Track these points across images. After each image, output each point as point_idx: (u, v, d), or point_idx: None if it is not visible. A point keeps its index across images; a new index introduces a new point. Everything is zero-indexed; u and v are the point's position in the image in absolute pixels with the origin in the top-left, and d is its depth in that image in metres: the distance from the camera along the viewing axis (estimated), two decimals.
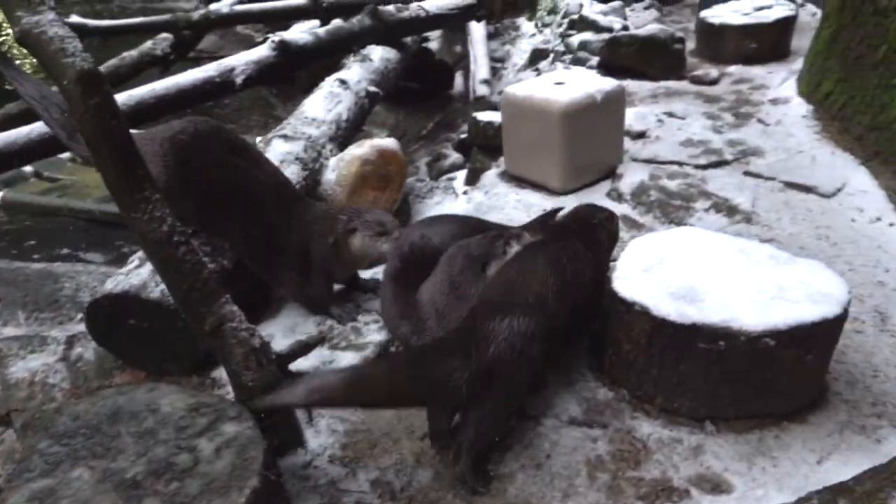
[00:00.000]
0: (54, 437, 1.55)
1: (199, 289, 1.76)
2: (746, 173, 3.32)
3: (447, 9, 5.39)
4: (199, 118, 2.30)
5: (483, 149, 4.08)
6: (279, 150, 2.95)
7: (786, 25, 5.02)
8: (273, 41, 4.41)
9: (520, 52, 7.54)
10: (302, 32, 4.69)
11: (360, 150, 3.09)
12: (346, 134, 3.60)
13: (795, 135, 3.71)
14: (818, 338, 1.77)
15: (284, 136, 3.10)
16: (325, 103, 3.65)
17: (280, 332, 2.35)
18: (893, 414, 1.84)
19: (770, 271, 1.94)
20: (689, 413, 1.89)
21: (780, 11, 5.07)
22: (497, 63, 7.56)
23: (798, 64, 4.54)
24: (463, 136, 4.59)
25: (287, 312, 2.47)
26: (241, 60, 4.20)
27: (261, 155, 2.41)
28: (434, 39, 8.31)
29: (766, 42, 4.97)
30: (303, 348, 2.07)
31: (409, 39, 5.47)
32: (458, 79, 7.41)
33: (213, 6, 7.21)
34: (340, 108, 3.67)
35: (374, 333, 2.27)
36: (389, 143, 3.16)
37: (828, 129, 3.67)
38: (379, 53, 4.81)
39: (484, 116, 4.03)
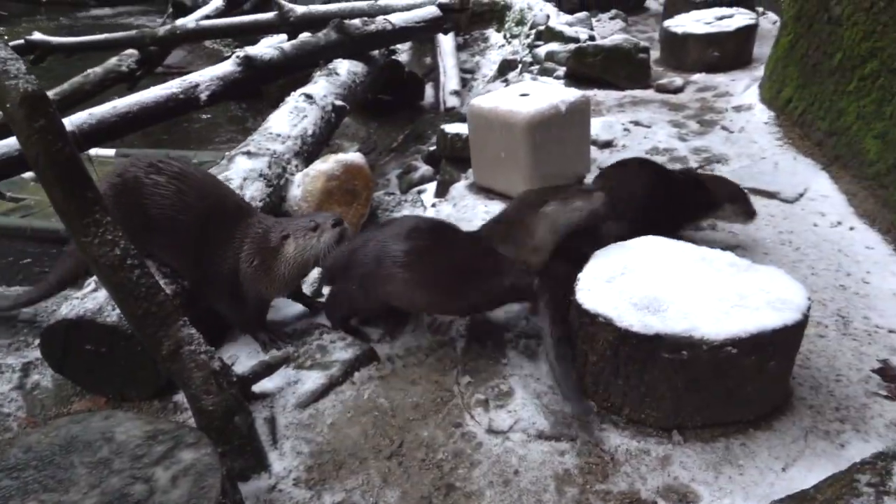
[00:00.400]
0: (4, 471, 1.49)
1: (154, 312, 1.72)
2: None
3: (414, 22, 5.41)
4: (135, 159, 2.26)
5: (452, 161, 4.08)
6: (242, 167, 2.91)
7: (747, 34, 5.13)
8: (238, 56, 4.38)
9: (489, 63, 7.60)
10: (268, 47, 4.66)
11: (325, 165, 3.07)
12: (312, 149, 3.58)
13: (758, 141, 3.78)
14: (779, 344, 1.79)
15: (248, 153, 3.06)
16: (290, 118, 3.62)
17: (244, 353, 2.31)
18: (856, 418, 1.86)
19: (731, 279, 1.95)
20: (656, 423, 1.89)
21: (741, 20, 5.18)
22: (467, 74, 7.61)
23: (760, 71, 4.64)
24: (432, 148, 4.59)
25: None
26: (205, 76, 4.16)
27: (207, 178, 2.34)
28: (404, 52, 8.34)
29: (729, 50, 5.07)
30: (266, 369, 2.03)
31: (376, 52, 5.47)
32: (429, 90, 7.43)
33: (179, 21, 7.15)
34: (306, 123, 3.65)
35: (340, 351, 2.24)
36: (355, 157, 3.14)
37: (789, 135, 3.75)
38: (346, 67, 4.80)
39: (452, 128, 4.04)
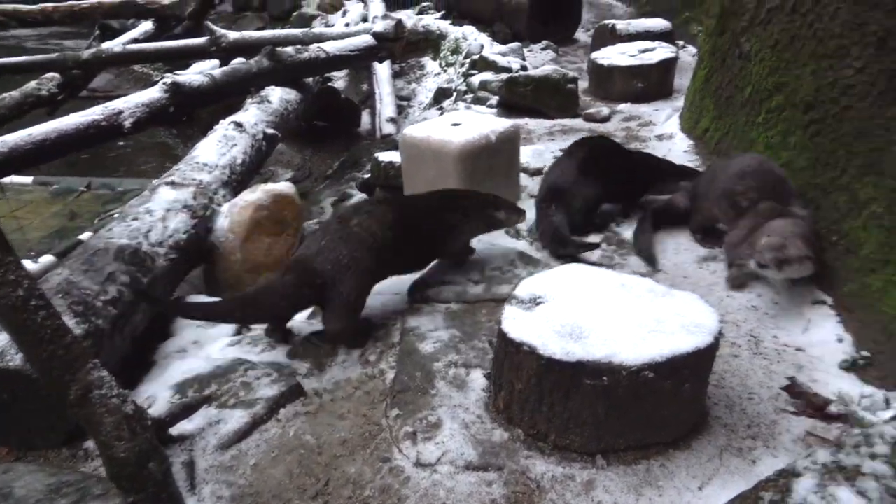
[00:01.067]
0: None
1: (61, 355, 1.64)
2: None
3: (348, 50, 5.45)
4: None
5: (386, 189, 4.10)
6: (165, 199, 2.84)
7: (668, 66, 5.40)
8: (165, 83, 4.29)
9: (425, 90, 7.72)
10: (197, 74, 4.59)
11: (253, 195, 3.02)
12: (241, 178, 3.52)
13: None
14: (693, 367, 1.86)
15: (172, 183, 2.99)
16: (218, 147, 3.56)
17: (167, 392, 2.23)
18: (766, 435, 1.95)
19: (649, 304, 2.03)
20: (581, 448, 1.92)
21: (663, 53, 5.46)
22: (403, 101, 7.69)
23: (680, 102, 4.88)
24: (367, 175, 4.60)
25: (175, 369, 2.35)
26: (129, 103, 4.05)
27: None
28: (340, 78, 8.37)
29: (652, 82, 5.33)
30: (185, 410, 1.96)
31: (310, 80, 5.47)
32: (366, 117, 7.47)
33: (105, 45, 6.96)
34: (235, 152, 3.60)
35: (265, 388, 2.20)
36: (284, 187, 3.12)
37: (707, 163, 3.95)
38: (279, 95, 4.78)
39: (385, 157, 4.07)
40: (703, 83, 4.26)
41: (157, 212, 2.73)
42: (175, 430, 1.97)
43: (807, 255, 2.33)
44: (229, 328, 2.64)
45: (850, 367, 2.20)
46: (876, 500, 1.18)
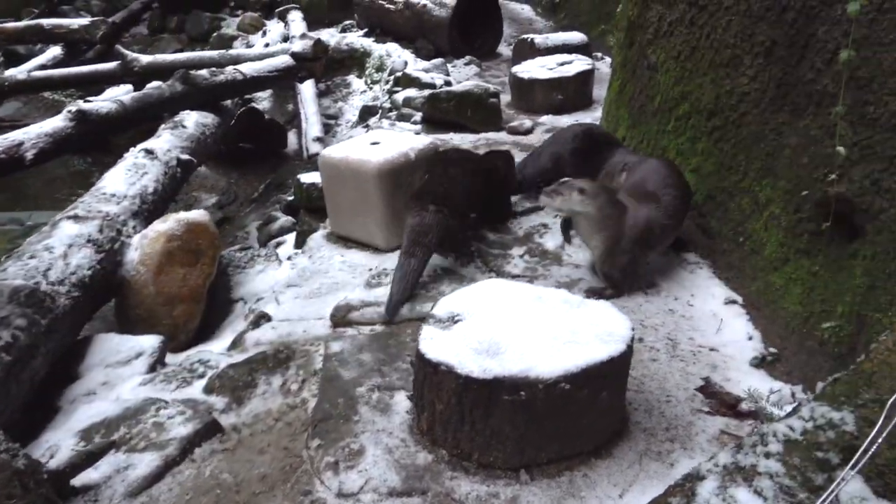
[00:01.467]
0: None
1: None
2: (557, 216, 3.57)
3: (266, 72, 5.37)
4: None
5: (310, 211, 4.03)
6: (67, 234, 2.70)
7: (585, 78, 5.57)
8: (70, 111, 4.11)
9: (352, 108, 7.67)
10: (105, 100, 4.41)
11: (164, 225, 2.91)
12: (154, 207, 3.39)
13: None
14: (609, 375, 1.90)
15: (75, 217, 2.85)
16: (127, 176, 3.42)
17: (71, 439, 2.10)
18: (683, 437, 2.01)
19: (565, 316, 2.06)
20: (504, 465, 1.92)
21: (580, 66, 5.62)
22: (330, 120, 7.62)
23: (599, 112, 5.03)
24: (291, 198, 4.52)
25: (81, 413, 2.22)
26: (31, 134, 3.85)
27: None
28: (265, 99, 8.23)
29: (571, 93, 5.47)
30: (87, 459, 1.85)
31: (229, 102, 5.35)
32: (292, 137, 7.35)
33: (9, 72, 6.62)
34: (146, 181, 3.46)
35: (178, 427, 2.10)
36: (197, 215, 3.02)
37: None
38: (194, 119, 4.64)
39: (307, 178, 4.00)
40: (618, 94, 4.41)
41: (58, 248, 2.59)
42: (78, 481, 1.86)
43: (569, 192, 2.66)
44: (140, 366, 2.52)
45: (759, 364, 2.30)
46: (771, 500, 1.22)
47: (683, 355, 2.40)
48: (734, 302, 2.65)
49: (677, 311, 2.68)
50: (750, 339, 2.43)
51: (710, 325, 2.56)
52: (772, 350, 2.33)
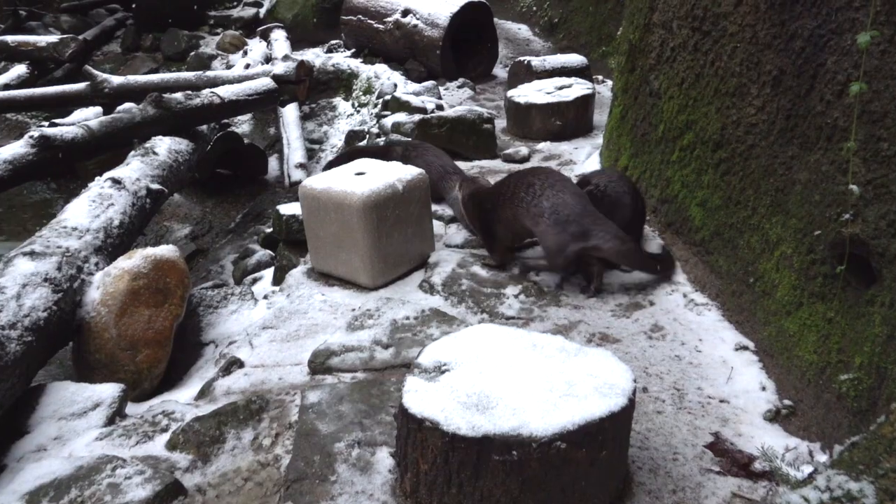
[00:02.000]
0: None
1: None
2: None
3: (245, 95, 5.40)
4: None
5: (290, 244, 4.02)
6: (21, 272, 2.66)
7: (585, 102, 5.63)
8: (32, 136, 4.10)
9: (337, 132, 7.73)
10: (71, 125, 4.42)
11: (129, 262, 2.89)
12: (120, 242, 3.37)
13: None
14: (608, 432, 1.86)
15: (31, 253, 2.82)
16: (91, 208, 3.40)
17: (16, 503, 2.04)
18: (692, 500, 1.97)
19: (560, 366, 2.03)
20: None
21: (580, 90, 5.69)
22: (314, 145, 7.68)
23: (600, 139, 5.07)
24: (270, 229, 4.51)
25: (28, 473, 2.16)
26: None
27: None
28: (244, 122, 8.29)
29: (570, 119, 5.53)
30: None
31: (205, 127, 5.37)
32: (274, 163, 7.39)
33: None
34: (112, 213, 3.45)
35: (137, 489, 2.04)
36: (166, 251, 2.99)
37: None
38: (167, 145, 4.65)
39: (287, 209, 4.00)
40: (619, 120, 4.45)
41: (10, 288, 2.55)
42: None
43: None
44: (98, 418, 2.46)
45: (773, 418, 2.27)
46: None
47: (691, 407, 2.37)
48: (745, 348, 2.64)
49: (684, 357, 2.65)
50: (763, 389, 2.41)
51: (720, 373, 2.54)
52: (787, 402, 2.30)
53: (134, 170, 4.05)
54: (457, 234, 3.83)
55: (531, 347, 2.13)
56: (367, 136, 6.41)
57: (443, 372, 2.03)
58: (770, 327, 2.53)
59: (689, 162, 3.39)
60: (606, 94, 6.45)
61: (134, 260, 2.89)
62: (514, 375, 1.99)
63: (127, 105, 5.44)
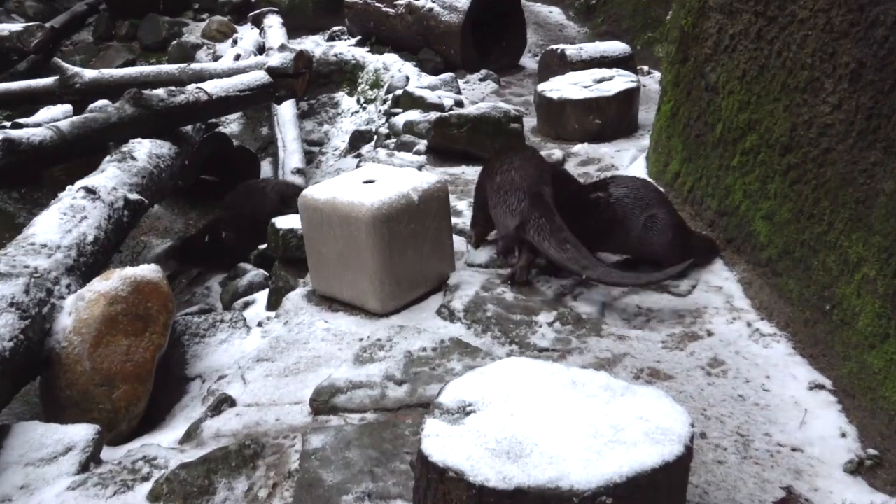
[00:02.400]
0: None
1: None
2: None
3: (236, 91, 5.50)
4: None
5: (287, 263, 4.07)
6: None
7: (629, 97, 5.67)
8: None
9: (340, 132, 7.84)
10: (38, 126, 4.52)
11: (106, 283, 2.95)
12: (94, 260, 3.45)
13: None
14: (662, 485, 1.87)
15: None
16: (62, 222, 3.48)
17: None
18: None
19: (606, 406, 2.04)
20: None
21: (622, 83, 5.72)
22: (314, 147, 7.78)
23: (646, 140, 5.10)
24: (263, 246, 4.57)
25: None
26: None
27: None
28: (234, 121, 8.42)
29: (611, 117, 5.56)
30: None
31: (189, 128, 5.47)
32: (266, 167, 7.49)
33: None
34: (85, 227, 3.52)
35: None
36: (147, 272, 3.06)
37: (681, 215, 4.10)
38: (146, 149, 4.74)
39: (284, 223, 4.06)
40: (669, 119, 4.48)
41: None
42: None
43: None
44: (69, 464, 2.51)
45: (855, 469, 2.26)
46: None
47: (758, 456, 2.36)
48: (821, 387, 2.63)
49: (749, 397, 2.65)
50: (843, 436, 2.40)
51: (792, 416, 2.53)
52: (871, 452, 2.29)
53: (110, 177, 4.13)
54: (481, 251, 3.86)
55: (570, 385, 2.14)
56: (376, 137, 6.48)
57: (468, 413, 2.04)
58: (850, 363, 2.52)
59: (753, 168, 3.40)
60: (654, 89, 6.49)
61: (111, 282, 2.95)
62: (551, 418, 2.00)
63: (101, 103, 5.55)
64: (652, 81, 6.83)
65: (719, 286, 3.37)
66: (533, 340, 3.06)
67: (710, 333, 3.06)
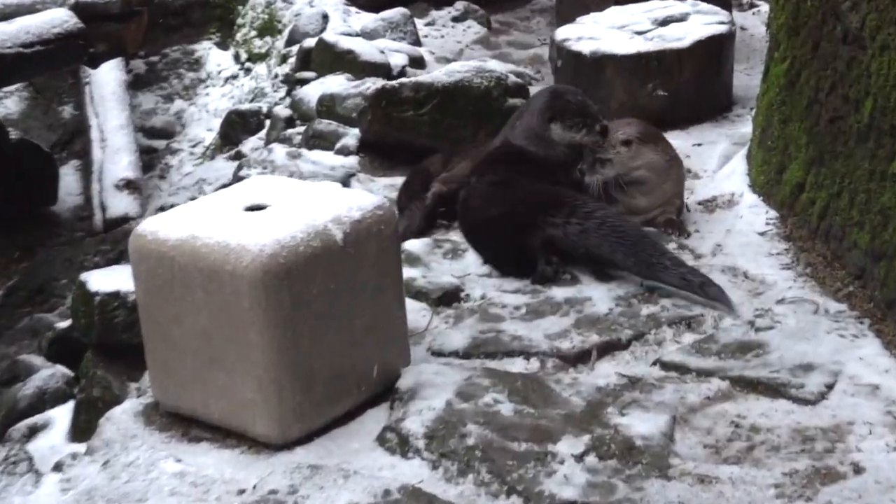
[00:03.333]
0: None
1: None
2: (657, 362, 3.67)
3: (19, 45, 5.56)
4: None
5: (106, 354, 4.10)
6: None
7: (718, 50, 5.75)
8: None
9: (205, 114, 7.90)
10: None
11: None
12: None
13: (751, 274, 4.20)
14: None
15: None
16: None
17: None
18: None
19: None
20: None
21: (703, 26, 5.81)
22: (158, 140, 7.83)
23: (744, 126, 5.21)
24: (66, 323, 4.60)
25: None
26: None
27: None
28: (11, 95, 8.44)
29: (684, 85, 5.65)
30: None
31: None
32: (71, 179, 7.51)
33: None
34: None
35: None
36: None
37: (807, 258, 4.20)
38: None
39: (101, 281, 4.10)
40: (785, 90, 4.57)
41: None
42: None
43: None
44: None
45: None
46: None
47: None
48: None
49: None
50: None
51: None
52: None
53: None
54: (456, 327, 3.93)
55: None
56: (269, 121, 6.57)
57: None
58: None
59: None
60: (759, 34, 6.58)
61: None
62: None
63: None
64: (757, 22, 6.95)
65: (875, 384, 3.45)
66: (549, 487, 3.09)
67: (857, 469, 3.13)
